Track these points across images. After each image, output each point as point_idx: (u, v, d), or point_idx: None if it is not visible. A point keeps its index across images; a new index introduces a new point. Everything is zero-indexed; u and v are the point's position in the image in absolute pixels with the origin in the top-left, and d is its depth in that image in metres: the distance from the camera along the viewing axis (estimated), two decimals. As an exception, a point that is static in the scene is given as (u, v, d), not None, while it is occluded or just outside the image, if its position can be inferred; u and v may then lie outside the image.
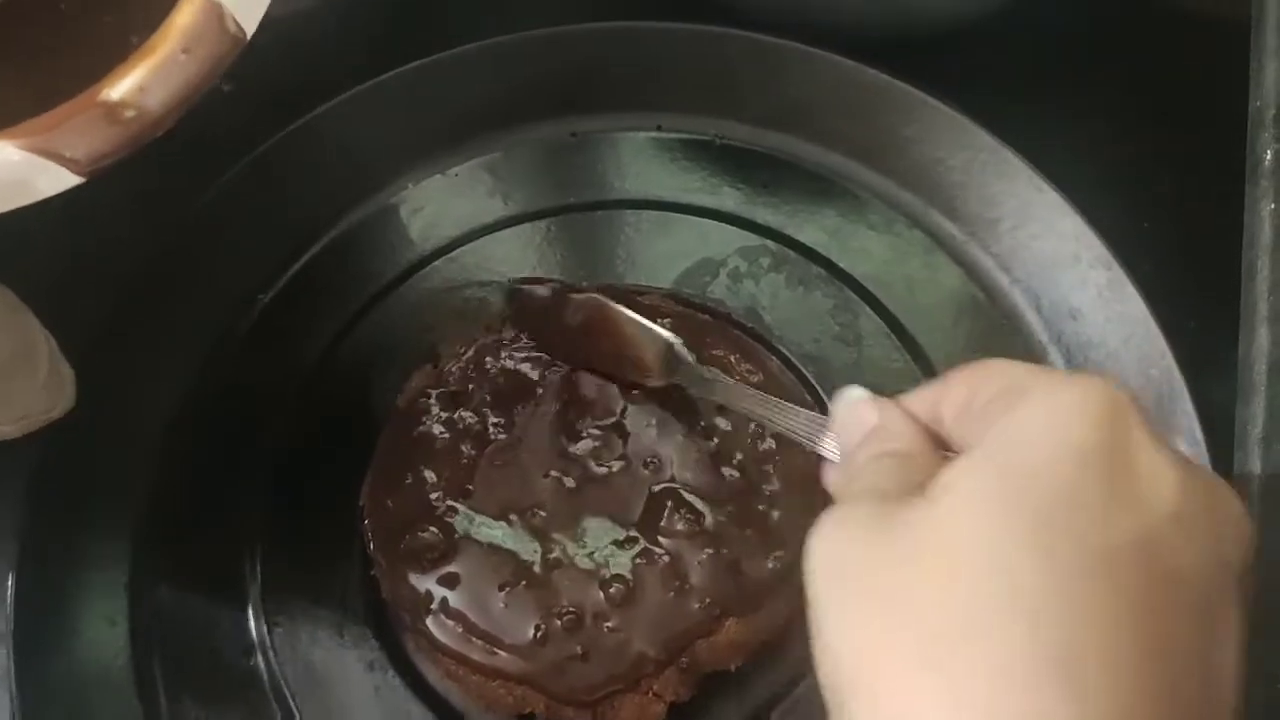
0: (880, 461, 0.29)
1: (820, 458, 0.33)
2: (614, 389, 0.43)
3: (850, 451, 0.31)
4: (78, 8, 0.30)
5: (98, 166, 0.30)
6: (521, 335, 0.44)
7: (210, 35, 0.30)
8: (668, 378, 0.41)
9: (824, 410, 0.33)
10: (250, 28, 0.31)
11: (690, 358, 0.40)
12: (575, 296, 0.43)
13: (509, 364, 0.44)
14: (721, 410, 0.42)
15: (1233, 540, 0.25)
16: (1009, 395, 0.26)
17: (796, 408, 0.35)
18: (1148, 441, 0.25)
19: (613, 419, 0.42)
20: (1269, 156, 0.40)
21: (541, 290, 0.45)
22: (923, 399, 0.30)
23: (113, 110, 0.30)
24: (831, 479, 0.32)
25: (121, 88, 0.30)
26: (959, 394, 0.28)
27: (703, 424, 0.42)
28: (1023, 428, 0.25)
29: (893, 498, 0.26)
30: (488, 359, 0.44)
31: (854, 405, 0.31)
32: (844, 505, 0.28)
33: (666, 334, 0.40)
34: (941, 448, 0.29)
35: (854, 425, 0.31)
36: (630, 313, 0.41)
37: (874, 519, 0.26)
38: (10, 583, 0.41)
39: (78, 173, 0.30)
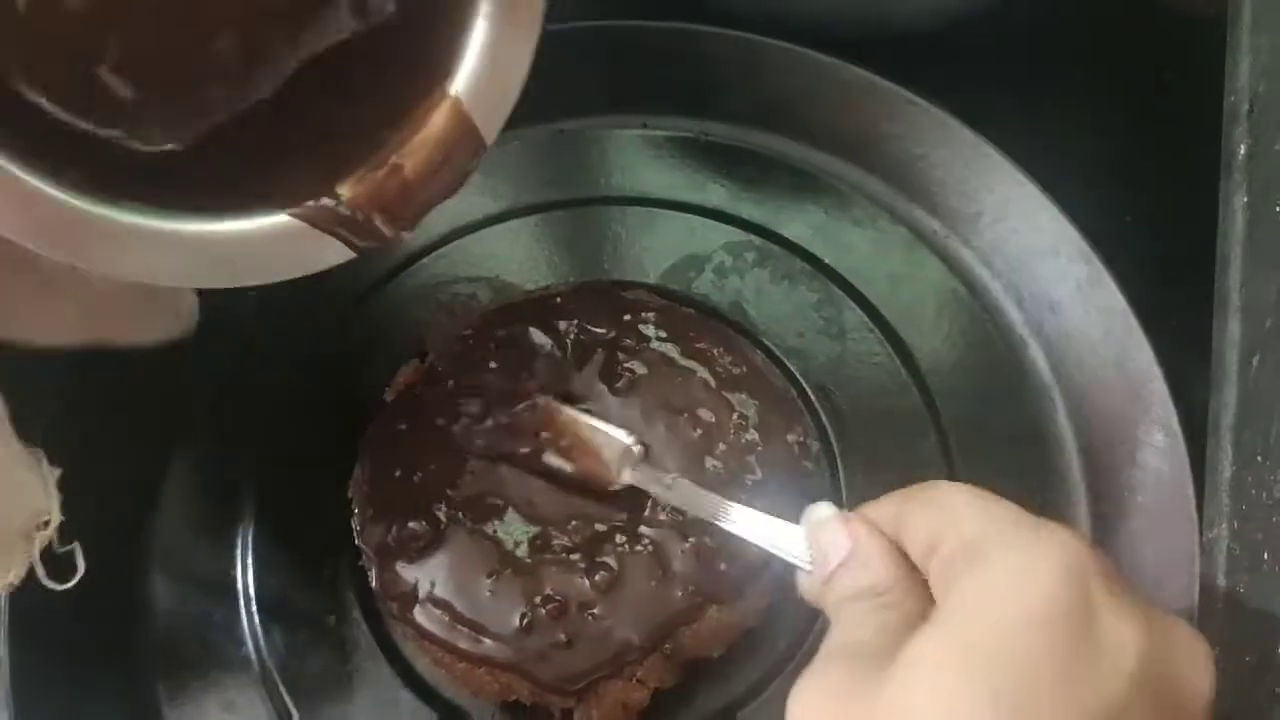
0: (855, 604, 0.30)
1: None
2: (599, 382, 0.43)
3: (826, 576, 0.32)
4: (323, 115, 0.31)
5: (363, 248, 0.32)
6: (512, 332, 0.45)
7: (464, 146, 0.32)
8: (627, 479, 0.40)
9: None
10: (490, 138, 0.32)
11: (645, 460, 0.40)
12: (520, 405, 0.43)
13: (496, 358, 0.44)
14: (705, 402, 0.43)
15: (1196, 682, 0.26)
16: (969, 552, 0.27)
17: (762, 516, 0.36)
18: (1109, 601, 0.25)
19: (596, 410, 0.43)
20: (1242, 150, 0.40)
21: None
22: (884, 512, 0.31)
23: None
24: (808, 589, 0.33)
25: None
26: (921, 531, 0.29)
27: (686, 416, 0.42)
28: (981, 597, 0.26)
29: (870, 658, 0.27)
30: (475, 354, 0.44)
31: (825, 526, 0.32)
32: (826, 662, 0.29)
33: (620, 433, 0.41)
34: (916, 578, 0.30)
35: (828, 547, 0.32)
36: (581, 416, 0.41)
37: (848, 685, 0.27)
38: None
39: (355, 251, 0.32)
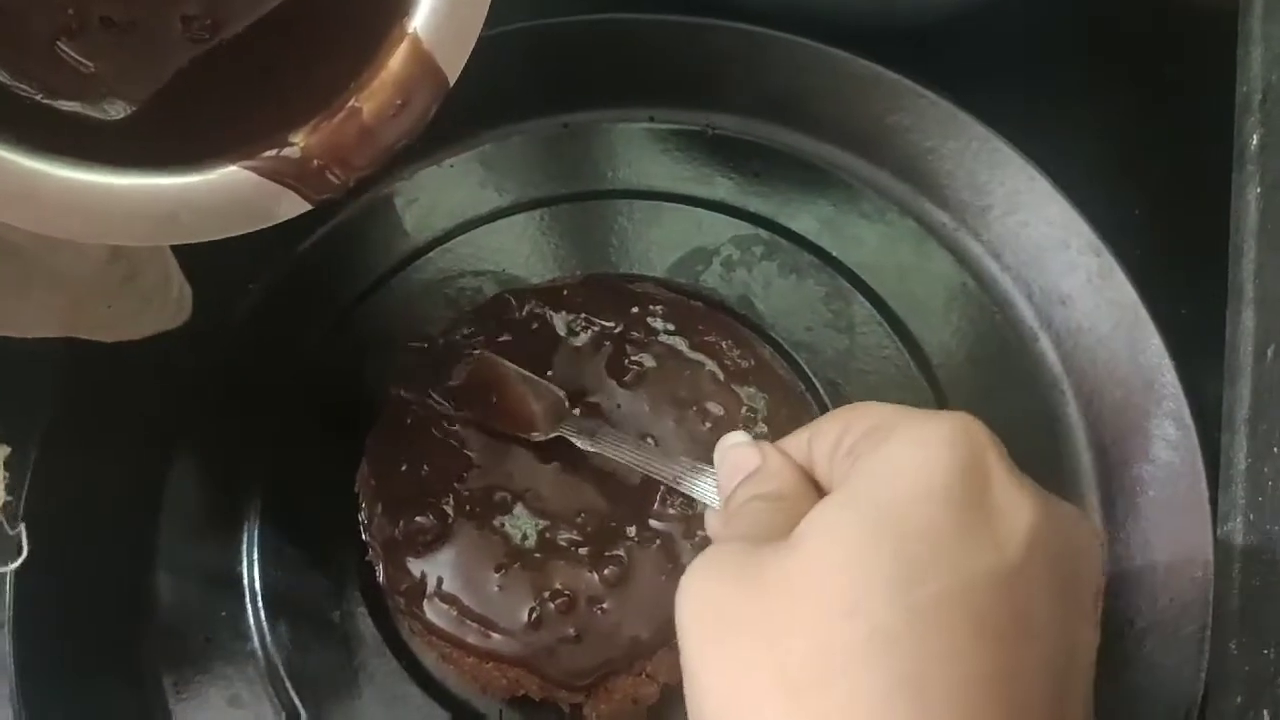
0: (752, 504, 0.30)
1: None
2: (605, 373, 0.43)
3: (727, 495, 0.32)
4: (282, 56, 0.30)
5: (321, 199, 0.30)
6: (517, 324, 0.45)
7: (424, 86, 0.30)
8: (552, 431, 0.41)
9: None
10: (454, 75, 0.31)
11: (572, 411, 0.42)
12: (466, 356, 0.44)
13: (503, 353, 0.44)
14: (714, 395, 0.43)
15: (1085, 571, 0.27)
16: (875, 433, 0.27)
17: (680, 459, 0.36)
18: (1005, 476, 0.26)
19: (605, 403, 0.42)
20: (1254, 141, 0.40)
21: (426, 347, 0.45)
22: (799, 439, 0.31)
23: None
24: (710, 523, 0.33)
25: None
26: (829, 436, 0.29)
27: (694, 409, 0.42)
28: (885, 465, 0.26)
29: (762, 540, 0.27)
30: (483, 349, 0.44)
31: (733, 450, 0.32)
32: (715, 549, 0.28)
33: (551, 386, 0.42)
34: (817, 489, 0.30)
35: (733, 469, 0.32)
36: (515, 367, 0.42)
37: (741, 562, 0.27)
38: (10, 576, 0.41)
39: (310, 202, 0.30)
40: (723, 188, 0.49)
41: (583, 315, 0.44)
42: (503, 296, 0.46)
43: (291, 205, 0.30)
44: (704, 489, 0.35)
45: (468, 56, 0.31)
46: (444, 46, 0.30)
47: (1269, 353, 0.37)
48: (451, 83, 0.31)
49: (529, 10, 0.50)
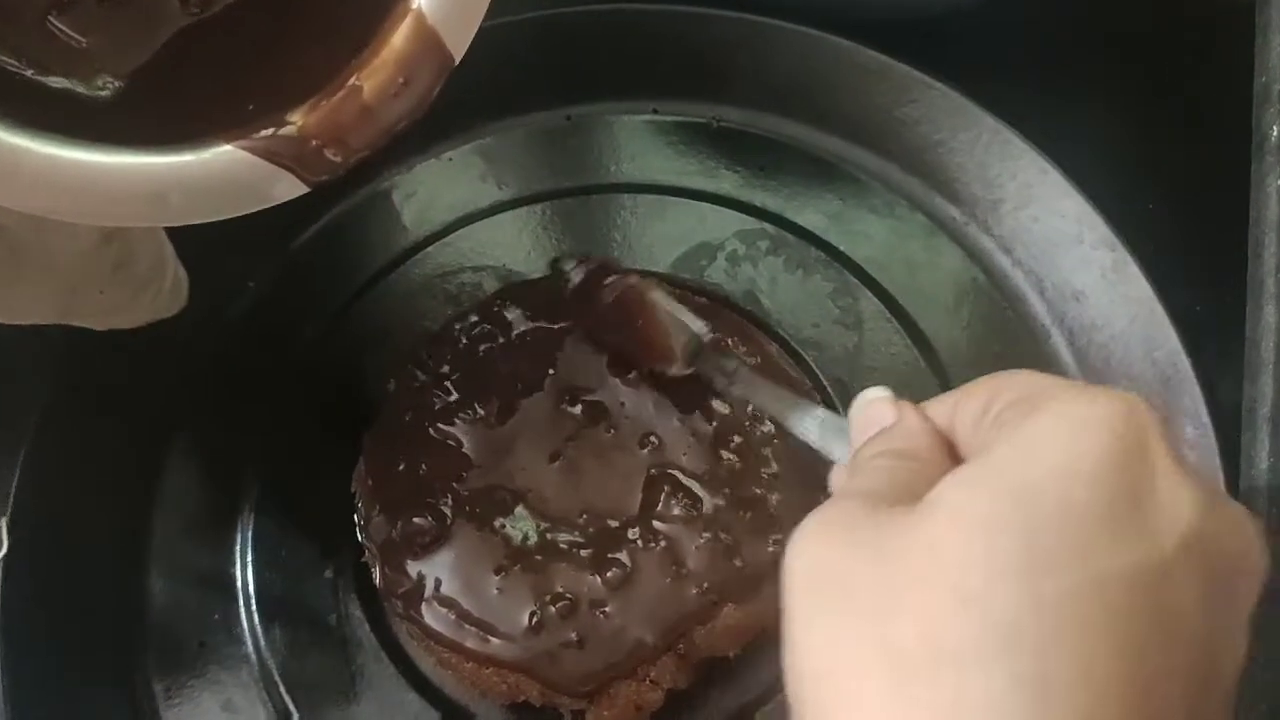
0: (881, 461, 0.27)
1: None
2: (607, 371, 0.42)
3: (857, 449, 0.29)
4: (280, 30, 0.28)
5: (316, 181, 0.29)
6: (519, 321, 0.44)
7: (428, 64, 0.29)
8: (689, 367, 0.40)
9: (830, 401, 0.33)
10: (459, 54, 0.29)
11: (713, 349, 0.40)
12: (612, 278, 0.43)
13: (503, 349, 0.43)
14: (718, 394, 0.42)
15: (1245, 577, 0.24)
16: (1025, 404, 0.25)
17: (817, 408, 0.34)
18: (1169, 466, 0.23)
19: (608, 401, 0.41)
20: (1275, 132, 0.39)
21: (578, 271, 0.44)
22: (944, 404, 0.29)
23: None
24: (833, 479, 0.31)
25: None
26: (976, 401, 0.27)
27: (700, 407, 0.41)
28: (1031, 440, 0.24)
29: (886, 502, 0.25)
30: (481, 344, 0.43)
31: (871, 404, 0.30)
32: (833, 503, 0.26)
33: (696, 323, 0.40)
34: (954, 458, 0.27)
35: (867, 422, 0.30)
36: (665, 300, 0.41)
37: (860, 525, 0.25)
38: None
39: (307, 184, 0.29)
40: (728, 181, 0.48)
41: (584, 311, 0.43)
42: (504, 291, 0.45)
43: (288, 187, 0.28)
44: (837, 444, 0.32)
45: (473, 34, 0.30)
46: (449, 23, 0.29)
47: (1291, 349, 0.36)
48: (457, 61, 0.30)
49: (532, 1, 0.49)
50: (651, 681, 0.38)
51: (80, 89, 0.27)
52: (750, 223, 0.48)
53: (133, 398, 0.44)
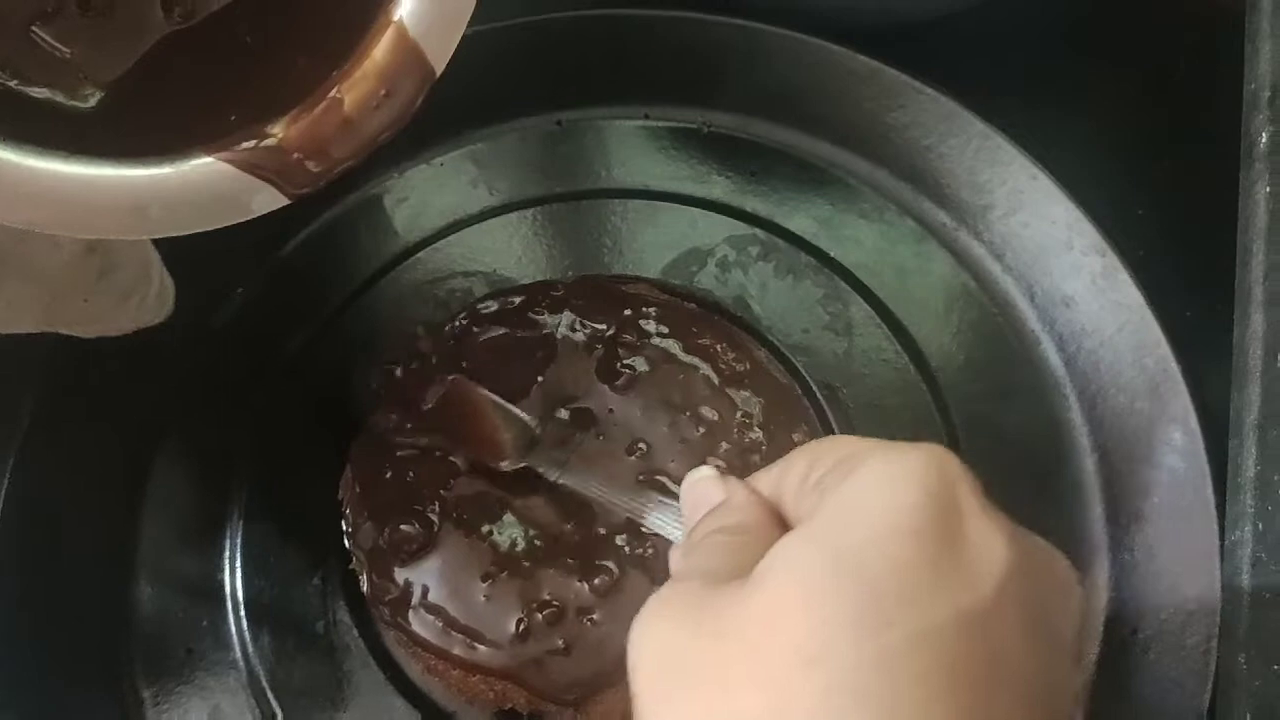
0: (713, 539, 0.28)
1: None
2: (596, 377, 0.42)
3: (692, 525, 0.30)
4: (262, 42, 0.29)
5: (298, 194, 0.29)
6: (507, 327, 0.44)
7: (410, 77, 0.29)
8: (520, 461, 0.40)
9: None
10: (440, 66, 0.29)
11: (543, 441, 0.41)
12: (438, 380, 0.43)
13: (491, 356, 0.43)
14: (708, 400, 0.42)
15: (1061, 609, 0.25)
16: (842, 467, 0.26)
17: (648, 494, 0.35)
18: (977, 509, 0.24)
19: (596, 408, 0.41)
20: (1264, 139, 0.39)
21: (399, 371, 0.44)
22: (769, 475, 0.29)
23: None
24: (671, 558, 0.31)
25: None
26: (798, 469, 0.28)
27: (688, 415, 0.41)
28: (850, 501, 0.25)
29: (721, 578, 0.25)
30: (469, 350, 0.43)
31: (699, 483, 0.31)
32: (670, 587, 0.27)
33: (522, 415, 0.41)
34: (784, 527, 0.28)
35: (696, 502, 0.30)
36: (487, 394, 0.41)
37: (697, 603, 0.25)
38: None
39: (288, 196, 0.29)
40: (718, 187, 0.48)
41: (574, 317, 0.43)
42: (492, 298, 0.45)
43: (268, 199, 0.29)
44: (671, 525, 0.33)
45: (455, 46, 0.30)
46: (431, 36, 0.29)
47: (1279, 356, 0.36)
48: (438, 74, 0.30)
49: (522, 5, 0.49)
50: (639, 689, 0.38)
51: (62, 99, 0.27)
52: (741, 228, 0.48)
53: (121, 404, 0.43)
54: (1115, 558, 0.41)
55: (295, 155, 0.28)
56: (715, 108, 0.49)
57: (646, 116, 0.50)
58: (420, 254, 0.48)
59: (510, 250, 0.48)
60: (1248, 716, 0.33)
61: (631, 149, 0.49)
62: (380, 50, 0.29)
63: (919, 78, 0.46)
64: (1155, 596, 0.39)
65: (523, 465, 0.40)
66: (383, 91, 0.29)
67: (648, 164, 0.49)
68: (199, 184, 0.27)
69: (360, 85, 0.29)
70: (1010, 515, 0.41)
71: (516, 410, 0.41)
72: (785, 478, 0.28)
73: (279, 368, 0.45)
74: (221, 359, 0.45)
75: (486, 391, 0.41)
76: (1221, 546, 0.37)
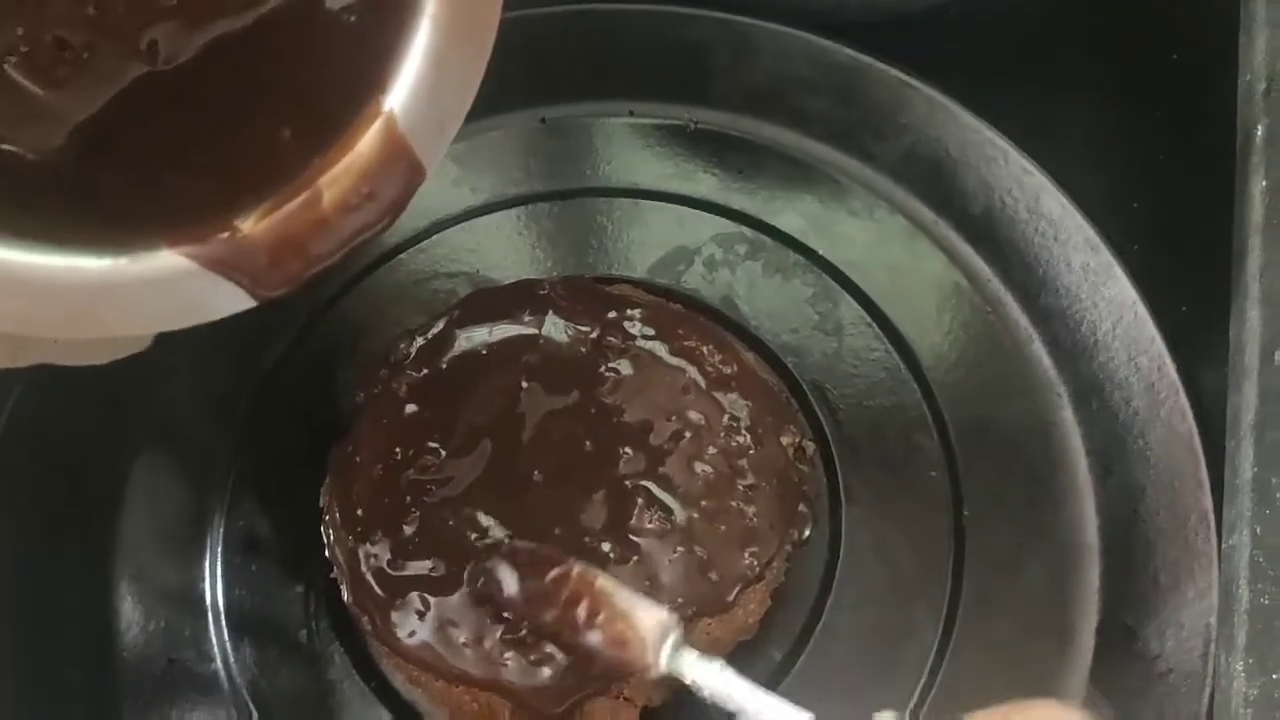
0: None
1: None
2: (579, 388, 0.41)
3: None
4: (243, 99, 0.26)
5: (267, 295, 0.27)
6: (489, 331, 0.43)
7: (395, 176, 0.27)
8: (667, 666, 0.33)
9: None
10: (431, 165, 0.27)
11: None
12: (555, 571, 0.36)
13: (474, 360, 0.42)
14: (694, 404, 0.41)
15: None
16: None
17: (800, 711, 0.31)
18: None
19: (580, 413, 0.41)
20: (1259, 133, 0.38)
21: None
22: None
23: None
24: None
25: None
26: None
27: (674, 418, 0.40)
28: None
29: None
30: (450, 355, 0.42)
31: None
32: None
33: (660, 610, 0.34)
34: None
35: None
36: (613, 583, 0.35)
37: None
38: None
39: (254, 298, 0.27)
40: (705, 184, 0.48)
41: (558, 319, 0.43)
42: (474, 297, 0.44)
43: (231, 299, 0.27)
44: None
45: (448, 145, 0.28)
46: (422, 132, 0.27)
47: (1276, 355, 0.35)
48: (428, 174, 0.27)
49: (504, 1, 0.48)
50: (625, 698, 0.37)
51: (23, 152, 0.24)
52: (728, 226, 0.47)
53: (97, 414, 0.43)
54: (1109, 560, 0.40)
55: (264, 252, 0.26)
56: (701, 104, 0.49)
57: (631, 113, 0.49)
58: (402, 255, 0.47)
59: (493, 250, 0.47)
60: (1245, 723, 0.32)
61: (616, 146, 0.49)
62: (366, 143, 0.26)
63: (908, 72, 0.46)
64: (1152, 603, 0.38)
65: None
66: (365, 190, 0.27)
67: (633, 162, 0.48)
68: (156, 281, 0.25)
69: (341, 181, 0.26)
70: (1003, 518, 0.41)
71: (650, 604, 0.34)
72: None
73: (260, 374, 0.45)
74: (201, 365, 0.44)
75: (613, 583, 0.35)
76: (1219, 550, 0.37)
